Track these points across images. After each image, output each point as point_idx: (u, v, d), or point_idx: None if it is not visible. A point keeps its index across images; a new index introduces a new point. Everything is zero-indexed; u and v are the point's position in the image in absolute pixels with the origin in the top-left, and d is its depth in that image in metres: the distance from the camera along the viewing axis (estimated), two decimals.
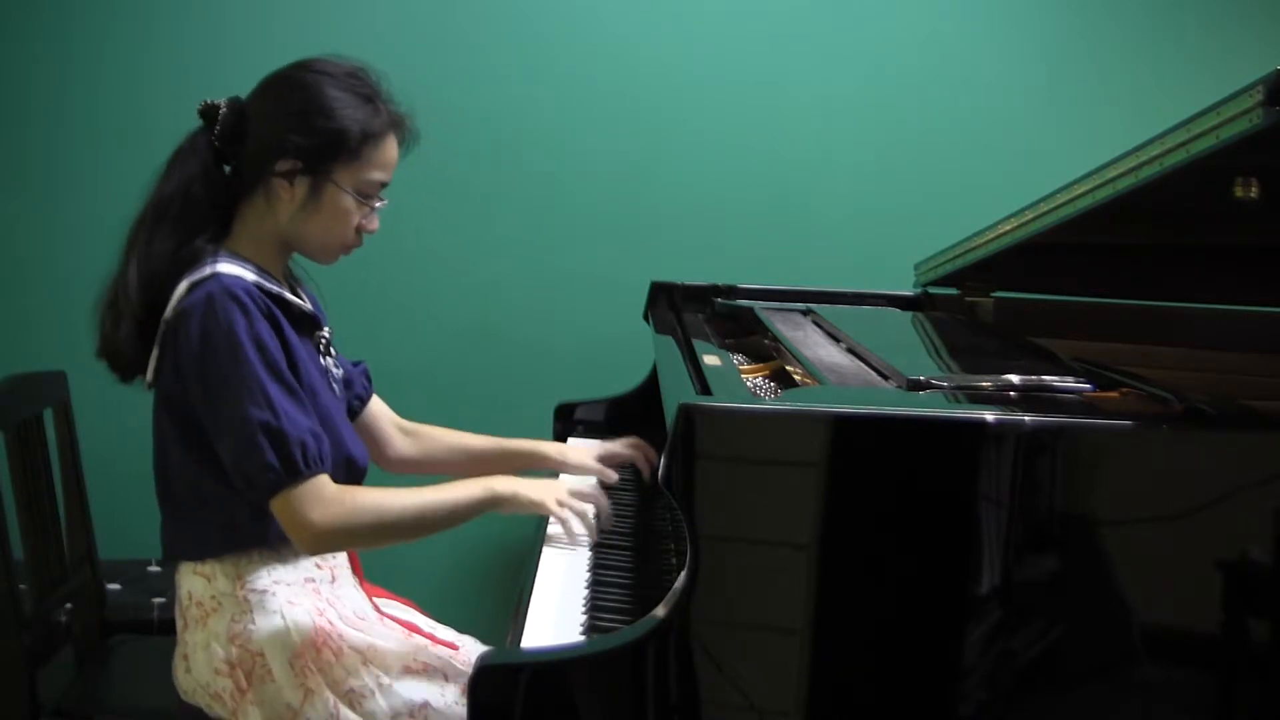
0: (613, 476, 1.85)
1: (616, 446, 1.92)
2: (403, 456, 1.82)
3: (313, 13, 2.61)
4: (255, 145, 1.51)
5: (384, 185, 1.56)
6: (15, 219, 2.64)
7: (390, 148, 1.55)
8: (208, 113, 1.53)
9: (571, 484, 1.74)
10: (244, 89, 1.56)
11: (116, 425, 2.21)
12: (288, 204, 1.51)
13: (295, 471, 1.42)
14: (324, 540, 1.46)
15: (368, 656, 1.53)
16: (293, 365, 1.47)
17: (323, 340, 1.61)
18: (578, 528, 1.66)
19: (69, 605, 1.87)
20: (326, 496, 1.44)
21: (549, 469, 1.90)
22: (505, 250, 2.68)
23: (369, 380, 1.78)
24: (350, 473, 1.55)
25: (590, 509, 1.68)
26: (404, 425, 1.85)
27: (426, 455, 1.83)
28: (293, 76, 1.53)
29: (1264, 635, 1.22)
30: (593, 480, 1.85)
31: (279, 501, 1.43)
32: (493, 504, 1.58)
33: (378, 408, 1.81)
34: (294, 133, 1.48)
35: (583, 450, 1.87)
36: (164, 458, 1.52)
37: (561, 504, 1.64)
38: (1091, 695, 1.21)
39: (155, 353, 1.48)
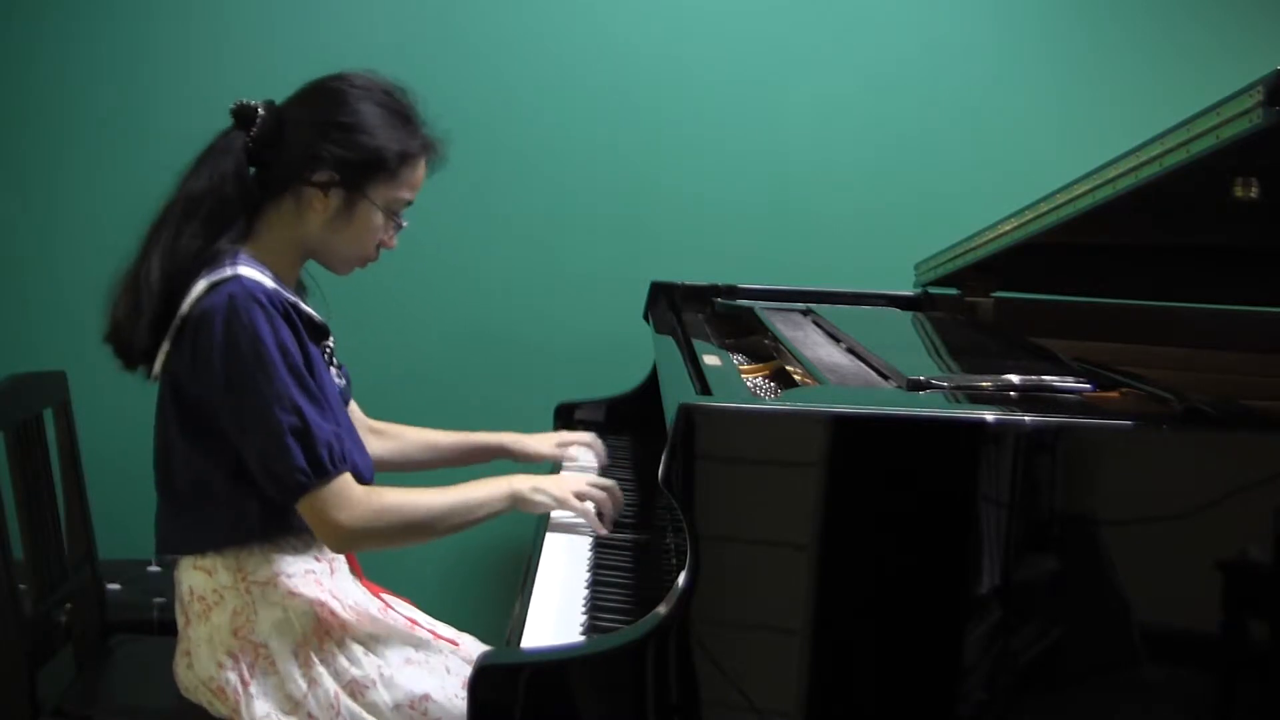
0: (572, 456, 1.96)
1: (571, 436, 2.01)
2: (376, 457, 1.82)
3: (313, 14, 2.61)
4: (291, 152, 1.51)
5: (408, 205, 1.58)
6: (15, 219, 2.64)
7: (421, 169, 1.58)
8: (243, 113, 1.53)
9: (584, 475, 1.79)
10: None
11: (116, 425, 2.21)
12: (319, 214, 1.52)
13: (324, 472, 1.44)
14: (351, 540, 1.49)
15: (370, 647, 1.54)
16: (310, 373, 1.47)
17: (328, 350, 1.61)
18: (606, 518, 1.70)
19: (69, 605, 1.87)
20: (353, 497, 1.47)
21: (512, 459, 1.96)
22: (505, 250, 2.68)
23: (348, 384, 1.78)
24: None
25: (613, 487, 1.73)
26: (374, 425, 1.88)
27: (398, 454, 1.86)
28: (335, 88, 1.54)
29: (1264, 635, 1.22)
30: (594, 467, 1.95)
31: (306, 502, 1.45)
32: (514, 503, 1.63)
33: (353, 412, 1.82)
34: (335, 145, 1.49)
35: (540, 438, 1.95)
36: (167, 452, 1.52)
37: (582, 496, 1.68)
38: (1091, 695, 1.21)
39: (166, 346, 1.48)
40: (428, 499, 1.54)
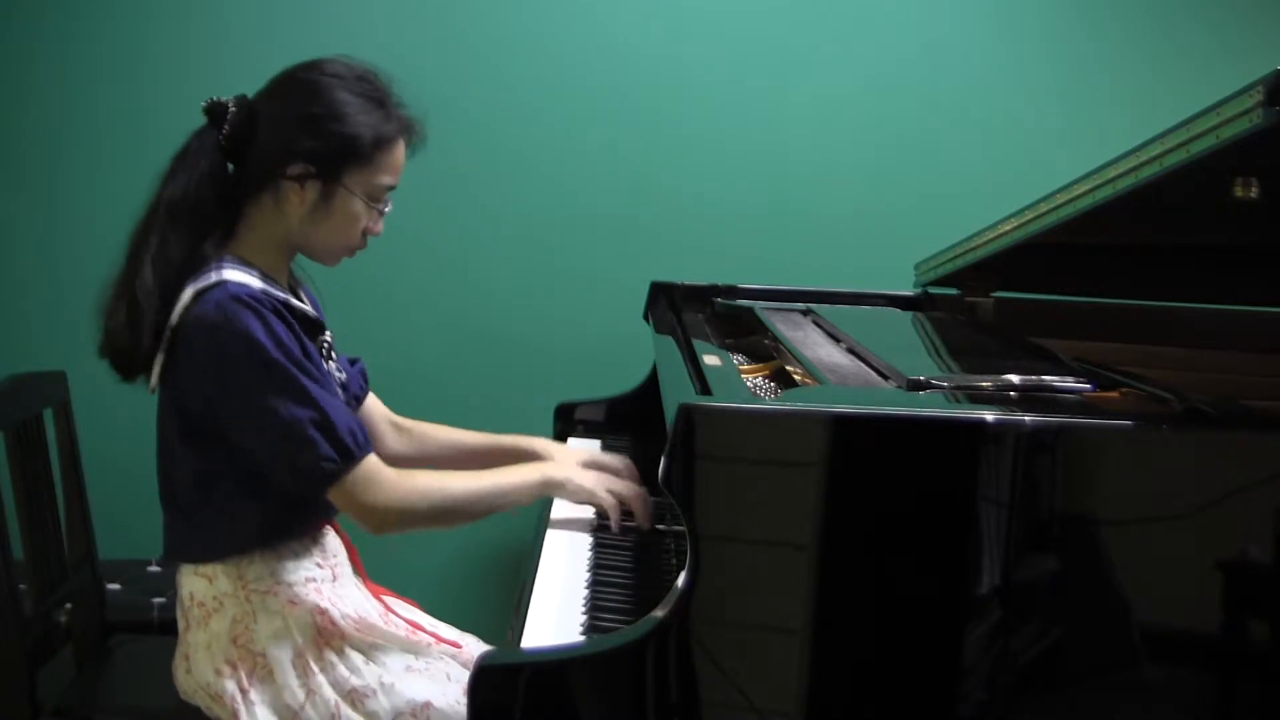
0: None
1: (607, 458, 1.90)
2: (396, 453, 1.82)
3: (313, 13, 2.61)
4: (265, 147, 1.49)
5: (391, 189, 1.56)
6: (15, 219, 2.64)
7: (400, 152, 1.55)
8: (214, 111, 1.51)
9: (610, 464, 1.78)
10: (245, 88, 1.55)
11: (116, 425, 2.21)
12: (297, 207, 1.50)
13: (350, 456, 1.44)
14: (388, 521, 1.48)
15: (370, 656, 1.53)
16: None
17: (325, 345, 1.61)
18: (637, 512, 1.68)
19: (69, 605, 1.87)
20: (385, 479, 1.47)
21: None
22: (505, 250, 2.68)
23: (365, 379, 1.78)
24: None
25: (644, 493, 1.71)
26: (398, 422, 1.86)
27: (420, 452, 1.84)
28: (304, 78, 1.52)
29: (1264, 635, 1.22)
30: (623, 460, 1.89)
31: (339, 490, 1.45)
32: (547, 489, 1.64)
33: (373, 405, 1.82)
34: (306, 136, 1.47)
35: (573, 454, 1.88)
36: (169, 462, 1.52)
37: (612, 493, 1.67)
38: (1091, 695, 1.21)
39: (161, 358, 1.47)
40: (461, 482, 1.55)
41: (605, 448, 2.21)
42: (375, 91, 1.53)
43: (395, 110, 1.54)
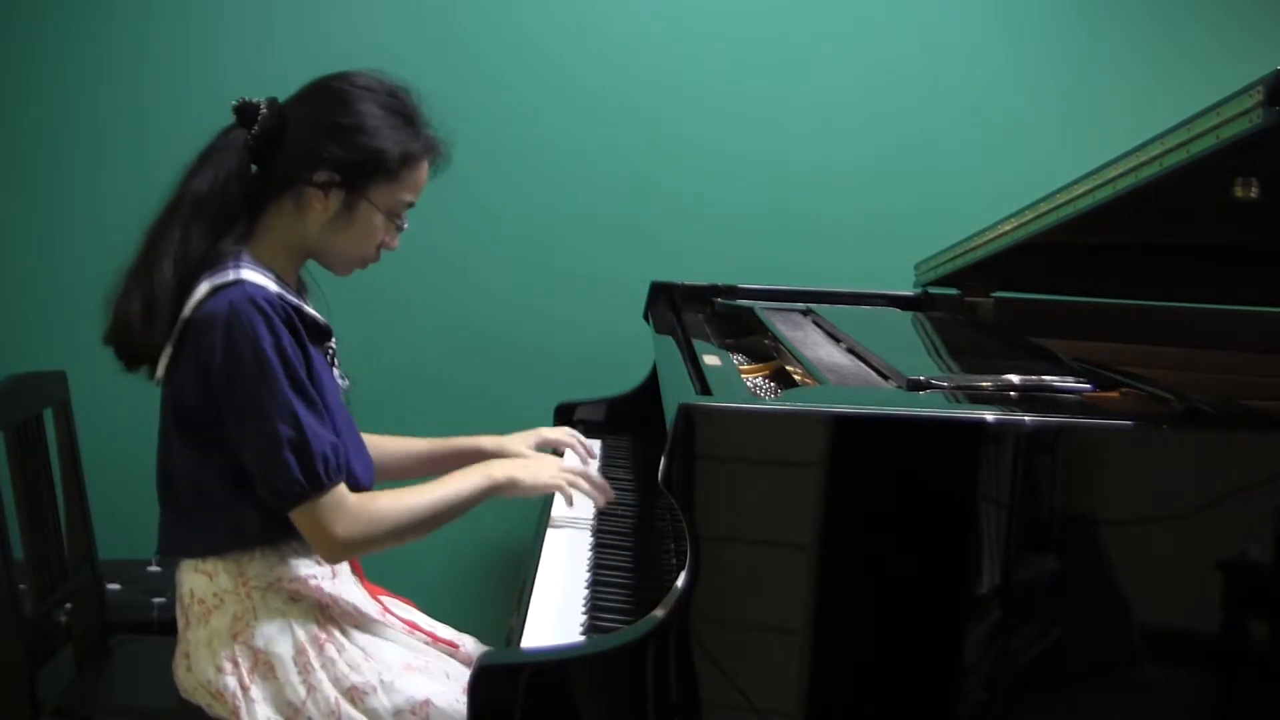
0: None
1: (550, 433, 1.96)
2: None
3: (313, 14, 2.61)
4: (292, 152, 1.50)
5: (411, 206, 1.57)
6: (15, 219, 2.65)
7: (424, 171, 1.57)
8: (245, 111, 1.51)
9: (556, 459, 1.79)
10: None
11: (116, 425, 2.22)
12: (319, 214, 1.51)
13: (319, 484, 1.43)
14: (346, 550, 1.49)
15: (370, 653, 1.53)
16: (311, 377, 1.47)
17: (330, 351, 1.61)
18: (584, 489, 1.69)
19: (69, 605, 1.87)
20: (348, 508, 1.47)
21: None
22: (505, 250, 2.68)
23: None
24: (352, 489, 1.55)
25: (592, 468, 1.73)
26: None
27: (376, 466, 1.83)
28: (337, 88, 1.53)
29: (1264, 635, 1.22)
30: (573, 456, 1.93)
31: (301, 512, 1.44)
32: (493, 491, 1.62)
33: None
34: (335, 145, 1.48)
35: (517, 439, 1.90)
36: (169, 456, 1.52)
37: (556, 476, 1.67)
38: (1091, 695, 1.21)
39: (169, 350, 1.48)
40: (416, 500, 1.54)
41: (605, 448, 2.21)
42: (405, 108, 1.54)
43: (423, 129, 1.55)
